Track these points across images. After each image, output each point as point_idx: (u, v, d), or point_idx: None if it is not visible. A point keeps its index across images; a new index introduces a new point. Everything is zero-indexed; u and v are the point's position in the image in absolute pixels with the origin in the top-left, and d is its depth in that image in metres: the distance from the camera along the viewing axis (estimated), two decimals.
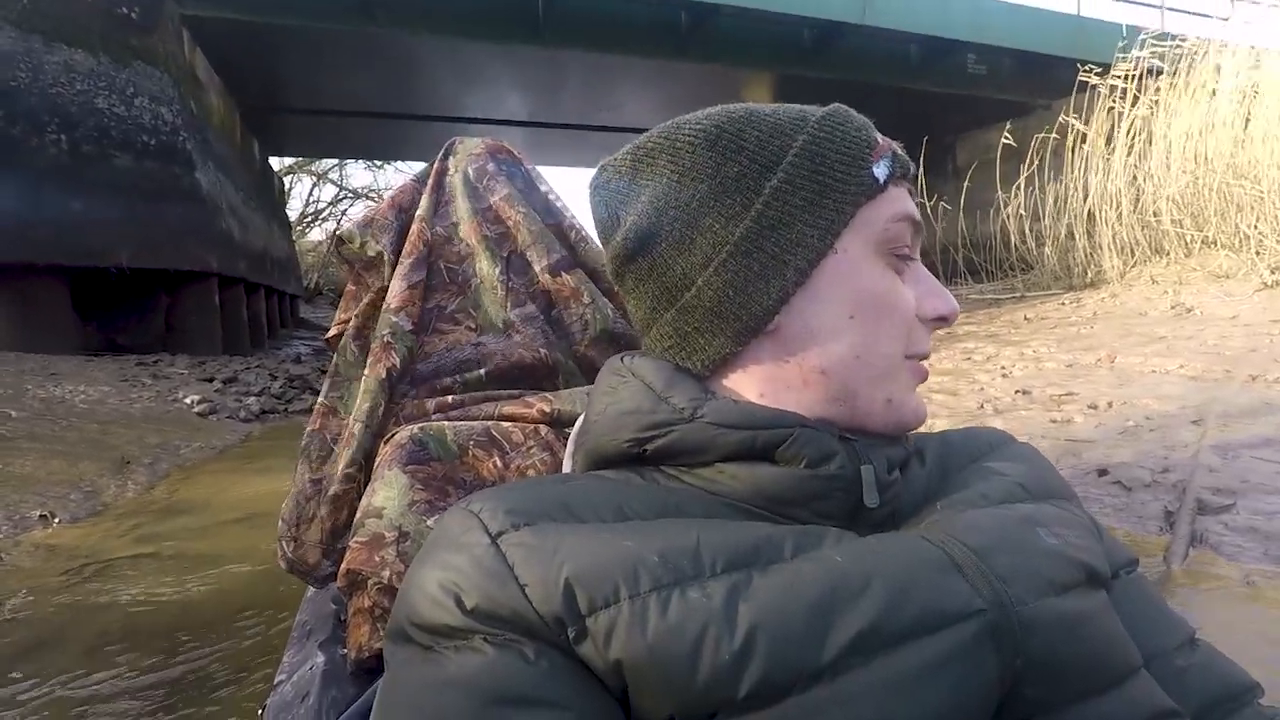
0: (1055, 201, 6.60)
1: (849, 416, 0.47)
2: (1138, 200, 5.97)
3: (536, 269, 1.02)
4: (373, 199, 18.59)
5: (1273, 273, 4.66)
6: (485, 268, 1.01)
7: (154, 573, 2.06)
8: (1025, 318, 5.24)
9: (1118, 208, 6.03)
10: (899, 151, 0.50)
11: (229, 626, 1.68)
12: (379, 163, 18.61)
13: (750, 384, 0.48)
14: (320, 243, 18.44)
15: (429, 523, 0.78)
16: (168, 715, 1.34)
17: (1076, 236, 6.34)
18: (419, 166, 1.23)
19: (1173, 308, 4.54)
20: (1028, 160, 6.62)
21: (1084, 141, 6.36)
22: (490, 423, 0.88)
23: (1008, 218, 6.94)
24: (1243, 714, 0.47)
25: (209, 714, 1.34)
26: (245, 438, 4.22)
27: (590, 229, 1.09)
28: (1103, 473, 2.02)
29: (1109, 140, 6.27)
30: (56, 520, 2.53)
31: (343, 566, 0.78)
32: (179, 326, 6.62)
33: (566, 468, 0.59)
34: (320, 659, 0.86)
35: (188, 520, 2.58)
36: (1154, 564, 1.52)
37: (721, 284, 0.47)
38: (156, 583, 1.99)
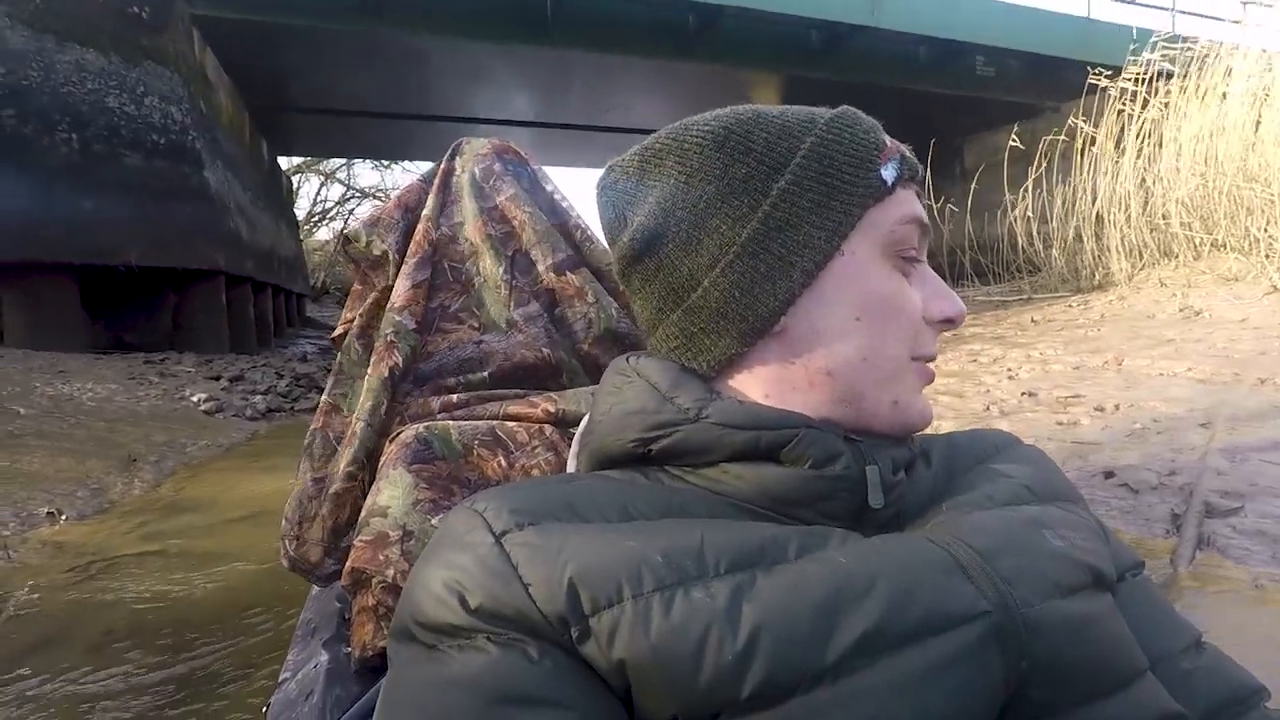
0: (1063, 204, 6.57)
1: (855, 418, 0.47)
2: (1146, 203, 5.94)
3: (540, 268, 1.02)
4: (380, 199, 18.64)
5: None
6: (489, 266, 1.02)
7: (160, 570, 2.07)
8: (1032, 320, 5.22)
9: (1126, 210, 6.00)
10: (907, 153, 0.50)
11: (234, 624, 1.68)
12: (386, 162, 18.67)
13: (756, 385, 0.48)
14: (327, 242, 18.51)
15: (433, 522, 0.78)
16: (173, 712, 1.35)
17: (1084, 239, 6.31)
18: (426, 166, 1.23)
19: (1181, 310, 4.52)
20: (1036, 163, 6.59)
21: (1093, 144, 6.33)
22: (495, 422, 0.88)
23: (1015, 220, 6.91)
24: (1249, 717, 0.47)
25: (214, 711, 1.35)
26: (251, 436, 4.23)
27: (596, 229, 1.09)
28: (1109, 475, 2.01)
29: (1118, 143, 6.24)
30: (64, 517, 2.55)
31: (347, 565, 0.78)
32: (186, 325, 6.65)
33: (571, 467, 0.59)
34: (324, 657, 0.86)
35: (194, 518, 2.59)
36: (1160, 566, 1.51)
37: (728, 285, 0.47)
38: (162, 580, 2.00)
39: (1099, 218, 6.21)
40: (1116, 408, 2.70)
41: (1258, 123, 5.42)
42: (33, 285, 5.68)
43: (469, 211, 1.06)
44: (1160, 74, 6.12)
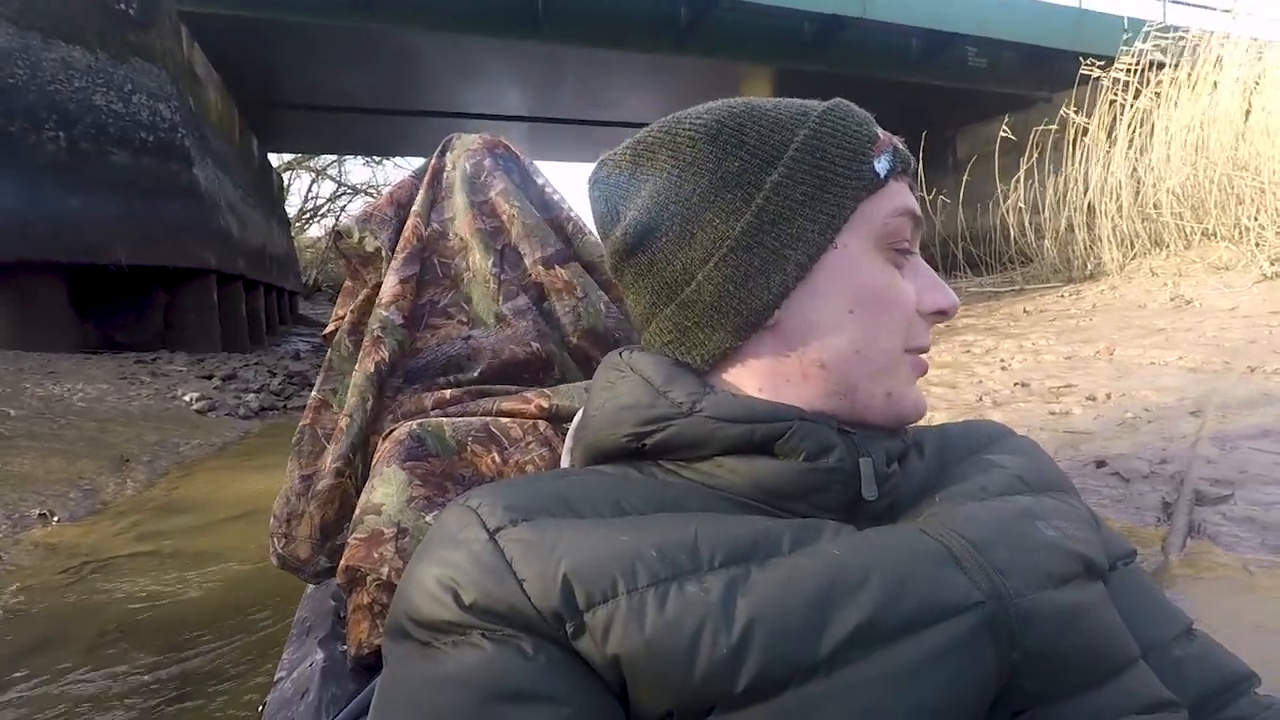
0: (1055, 194, 6.59)
1: (849, 410, 0.47)
2: (1138, 193, 5.96)
3: (528, 261, 1.02)
4: (371, 195, 18.56)
5: (1272, 264, 4.66)
6: (478, 261, 1.01)
7: (154, 570, 2.07)
8: (1024, 310, 5.24)
9: (1118, 200, 6.02)
10: (900, 146, 0.50)
11: (229, 623, 1.68)
12: (378, 158, 18.59)
13: (750, 378, 0.48)
14: (319, 239, 18.43)
15: (427, 519, 0.78)
16: (168, 712, 1.35)
17: (1076, 229, 6.33)
18: (418, 162, 1.23)
19: (1172, 300, 4.54)
20: (1028, 153, 6.61)
21: (1085, 135, 6.35)
22: (488, 418, 0.88)
23: (1007, 211, 6.93)
24: (1239, 704, 0.47)
25: (210, 710, 1.35)
26: (244, 435, 4.22)
27: (588, 222, 1.09)
28: (1101, 464, 2.03)
29: (1110, 133, 6.26)
30: (56, 519, 2.54)
31: (342, 563, 0.78)
32: (178, 324, 6.61)
33: (565, 463, 0.59)
34: (320, 655, 0.86)
35: (187, 518, 2.58)
36: (1152, 554, 1.52)
37: (722, 279, 0.47)
38: (156, 581, 1.99)
39: (1090, 208, 6.24)
40: (1108, 397, 2.71)
41: (1247, 112, 5.44)
42: (21, 285, 5.63)
43: (459, 207, 1.06)
44: (1152, 64, 6.13)
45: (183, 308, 6.64)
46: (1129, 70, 6.06)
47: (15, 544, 2.29)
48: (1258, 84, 5.51)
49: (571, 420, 0.60)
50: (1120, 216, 6.00)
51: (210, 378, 5.35)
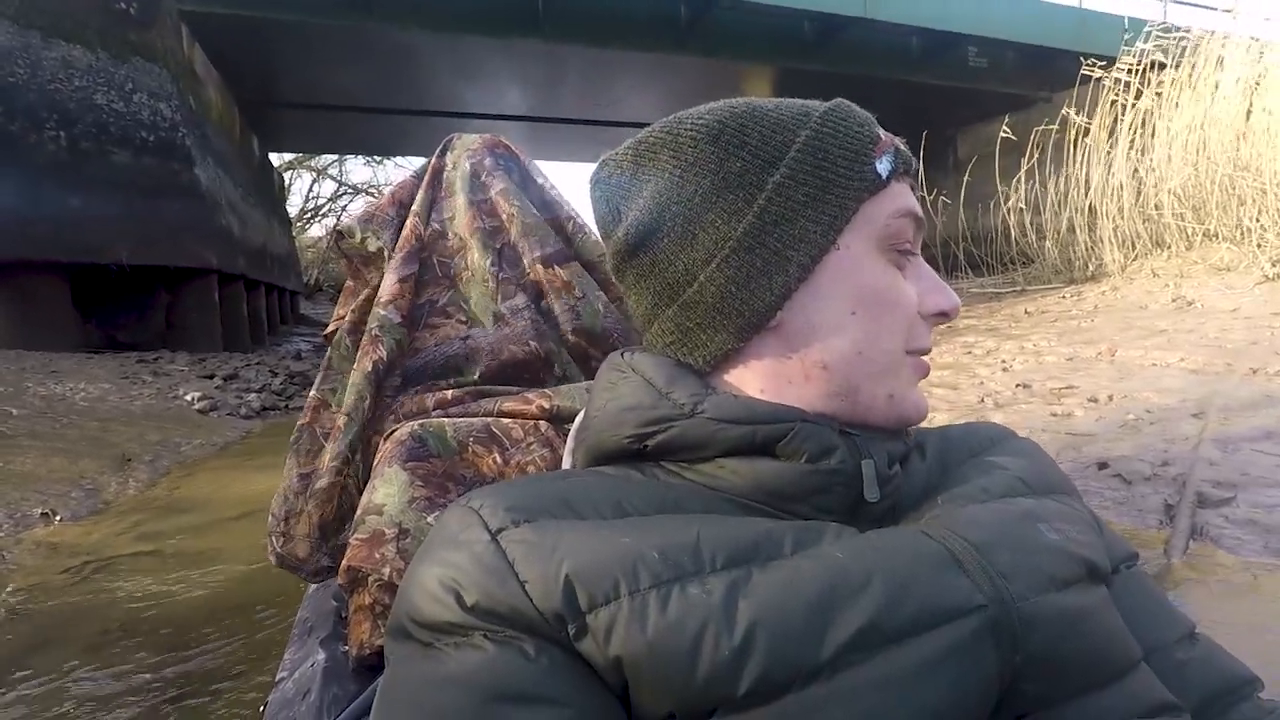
0: (1056, 195, 6.58)
1: (850, 412, 0.47)
2: (1139, 193, 5.95)
3: (527, 260, 1.02)
4: (372, 194, 18.56)
5: (1274, 265, 4.66)
6: (477, 260, 1.01)
7: (155, 570, 2.07)
8: (1026, 311, 5.24)
9: (1119, 201, 6.02)
10: (901, 147, 0.50)
11: (231, 623, 1.68)
12: (378, 158, 18.58)
13: (752, 379, 0.48)
14: (320, 239, 18.42)
15: (429, 519, 0.78)
16: (169, 712, 1.35)
17: (1077, 230, 6.33)
18: (419, 162, 1.23)
19: (1173, 301, 4.54)
20: (1028, 154, 6.60)
21: (1086, 135, 6.34)
22: (490, 419, 0.88)
23: (1008, 211, 6.92)
24: (1242, 707, 0.47)
25: (211, 710, 1.35)
26: (246, 434, 4.22)
27: (589, 222, 1.09)
28: (1103, 466, 2.02)
29: (1111, 133, 6.26)
30: (58, 518, 2.54)
31: (343, 564, 0.78)
32: (179, 323, 6.62)
33: (566, 464, 0.59)
34: (321, 656, 0.86)
35: (189, 518, 2.58)
36: (1154, 557, 1.52)
37: (724, 280, 0.47)
38: (158, 580, 1.99)
39: (1092, 209, 6.23)
40: (1110, 399, 2.71)
41: (1248, 112, 5.44)
42: (23, 284, 5.64)
43: (459, 206, 1.06)
44: (1153, 64, 6.13)
45: (184, 307, 6.64)
46: (1130, 71, 6.06)
47: (17, 543, 2.29)
48: (1258, 84, 5.50)
49: (573, 421, 0.60)
50: (1121, 217, 6.00)
51: (212, 377, 5.35)
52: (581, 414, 0.56)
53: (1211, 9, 9.10)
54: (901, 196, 0.49)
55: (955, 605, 0.39)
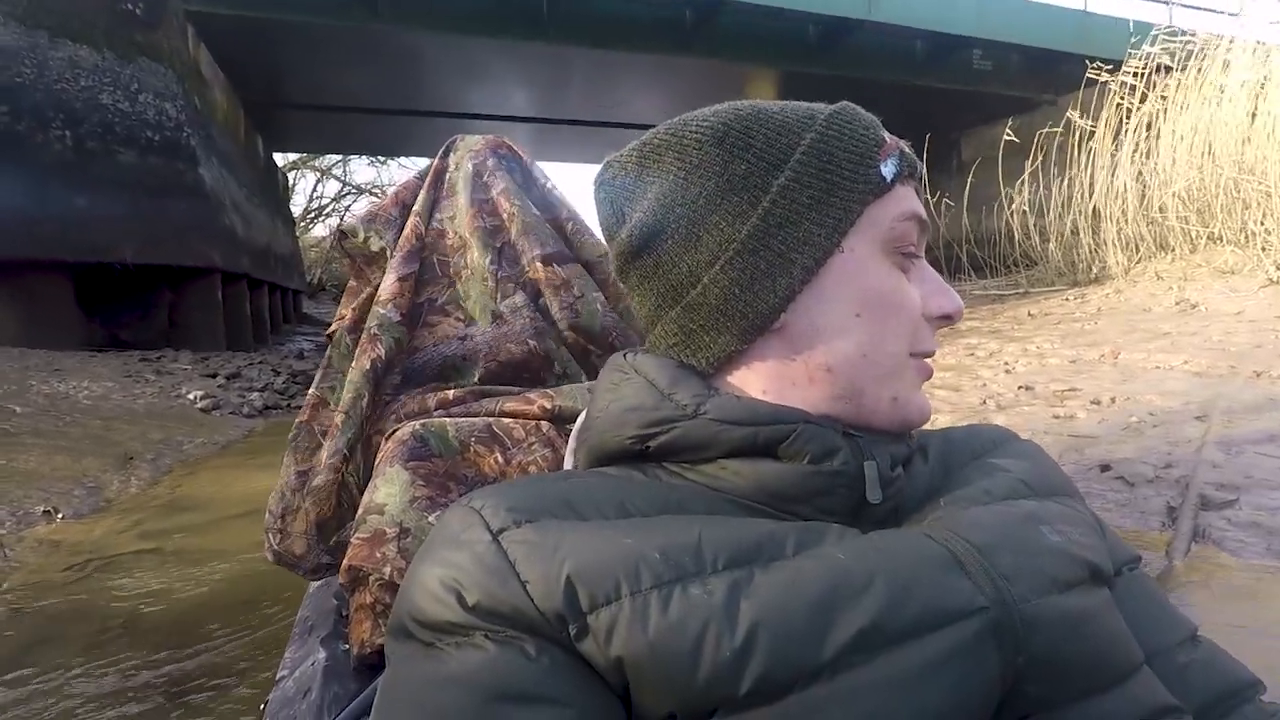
0: (1060, 197, 6.57)
1: (854, 414, 0.47)
2: (1143, 196, 5.94)
3: (526, 259, 1.02)
4: (376, 195, 18.59)
5: (1278, 269, 4.64)
6: (476, 259, 1.02)
7: (157, 568, 2.07)
8: (1029, 314, 5.23)
9: (1123, 204, 6.01)
10: (907, 150, 0.50)
11: (232, 622, 1.68)
12: (382, 158, 18.61)
13: (755, 381, 0.48)
14: (324, 238, 18.44)
15: (430, 519, 0.78)
16: (170, 710, 1.35)
17: (1081, 232, 6.32)
18: (423, 162, 1.23)
19: (1177, 304, 4.53)
20: (1032, 156, 6.60)
21: (1090, 138, 6.33)
22: (491, 419, 0.88)
23: (1012, 214, 6.92)
24: (1244, 710, 0.47)
25: (211, 709, 1.35)
26: (248, 433, 4.23)
27: (590, 223, 1.09)
28: (1105, 468, 2.02)
29: (1115, 136, 6.25)
30: (60, 516, 2.55)
31: (344, 563, 0.78)
32: (182, 322, 6.63)
33: (568, 464, 0.59)
34: (322, 655, 0.86)
35: (191, 516, 2.59)
36: (1156, 559, 1.52)
37: (728, 282, 0.47)
38: (159, 578, 1.99)
39: (1095, 211, 6.22)
40: (1113, 401, 2.70)
41: (1253, 115, 5.43)
42: (27, 283, 5.66)
43: (461, 206, 1.06)
44: (1159, 67, 6.12)
45: (188, 306, 6.66)
46: (1136, 74, 6.05)
47: (20, 541, 2.30)
48: (1263, 87, 5.49)
49: (575, 421, 0.60)
50: (1125, 220, 5.99)
51: (214, 376, 5.36)
52: (583, 414, 0.56)
53: (1217, 12, 9.09)
54: (906, 199, 0.49)
55: (957, 607, 0.39)
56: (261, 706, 1.07)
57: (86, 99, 5.93)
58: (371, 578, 0.76)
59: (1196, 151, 5.63)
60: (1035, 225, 6.86)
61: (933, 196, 6.53)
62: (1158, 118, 6.01)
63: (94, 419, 3.82)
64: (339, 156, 18.70)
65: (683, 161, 0.48)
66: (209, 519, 2.54)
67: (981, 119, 10.08)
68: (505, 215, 1.05)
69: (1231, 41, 5.96)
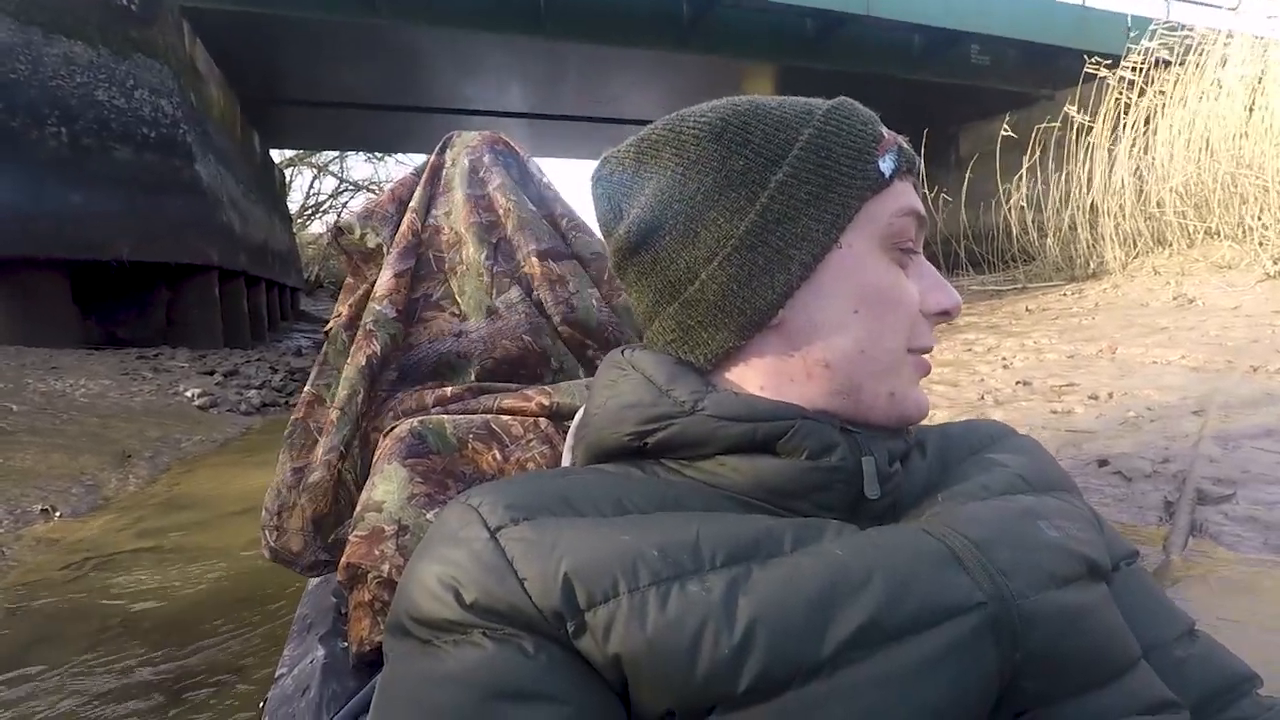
0: (1058, 193, 6.57)
1: (852, 410, 0.47)
2: (1141, 191, 5.95)
3: (521, 255, 1.02)
4: (373, 191, 18.55)
5: (1275, 264, 4.65)
6: (472, 254, 1.01)
7: (155, 566, 2.07)
8: (1027, 309, 5.23)
9: (1121, 199, 6.01)
10: (905, 145, 0.50)
11: (230, 620, 1.68)
12: (379, 154, 18.57)
13: (753, 377, 0.48)
14: (321, 235, 18.41)
15: (428, 516, 0.78)
16: (169, 708, 1.35)
17: (1079, 228, 6.32)
18: (420, 158, 1.23)
19: (1175, 299, 4.53)
20: (1030, 151, 6.59)
21: (1088, 133, 6.33)
22: (489, 416, 0.88)
23: (1010, 209, 6.92)
24: (1241, 704, 0.47)
25: (210, 707, 1.35)
26: (246, 431, 4.22)
27: (586, 220, 1.09)
28: (1103, 463, 2.02)
29: (1113, 131, 6.25)
30: (58, 514, 2.54)
31: (342, 560, 0.78)
32: (180, 320, 6.61)
33: (566, 461, 0.59)
34: (321, 652, 0.86)
35: (189, 514, 2.58)
36: (1153, 554, 1.52)
37: (726, 278, 0.47)
38: (158, 576, 1.99)
39: (1093, 206, 6.22)
40: (1110, 396, 2.71)
41: (1250, 110, 5.43)
42: (24, 280, 5.64)
43: (458, 201, 1.06)
44: (1157, 62, 6.12)
45: (185, 304, 6.64)
46: (1134, 68, 6.05)
47: (17, 539, 2.30)
48: (1260, 82, 5.49)
49: (573, 418, 0.60)
50: (1123, 215, 5.99)
51: (212, 374, 5.35)
52: (581, 411, 0.56)
53: (1215, 6, 9.07)
54: (904, 195, 0.49)
55: (955, 603, 0.39)
56: (260, 704, 1.07)
57: (81, 95, 5.90)
58: (370, 575, 0.76)
59: (1194, 147, 5.63)
60: (1033, 221, 6.86)
61: (930, 192, 6.53)
62: (1156, 113, 6.01)
63: (91, 417, 3.81)
64: (336, 153, 18.65)
65: (680, 157, 0.48)
66: (207, 517, 2.54)
67: (979, 114, 10.07)
68: (501, 210, 1.05)
69: (1229, 36, 5.96)
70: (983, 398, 2.97)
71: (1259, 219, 5.11)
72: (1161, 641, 0.48)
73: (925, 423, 0.54)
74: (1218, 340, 3.34)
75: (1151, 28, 6.24)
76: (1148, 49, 6.07)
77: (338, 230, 1.06)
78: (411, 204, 1.05)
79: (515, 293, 0.99)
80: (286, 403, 5.02)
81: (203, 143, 6.94)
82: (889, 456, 0.47)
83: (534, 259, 1.01)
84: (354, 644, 0.78)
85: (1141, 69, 6.05)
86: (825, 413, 0.47)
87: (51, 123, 5.73)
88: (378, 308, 0.94)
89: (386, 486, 0.80)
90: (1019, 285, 6.54)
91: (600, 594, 0.37)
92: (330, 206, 19.65)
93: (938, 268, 0.52)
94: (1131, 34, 6.23)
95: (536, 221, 1.05)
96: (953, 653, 0.38)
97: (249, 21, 7.03)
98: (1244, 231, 5.20)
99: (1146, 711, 0.42)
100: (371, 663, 0.78)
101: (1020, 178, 6.75)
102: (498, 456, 0.85)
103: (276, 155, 13.79)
